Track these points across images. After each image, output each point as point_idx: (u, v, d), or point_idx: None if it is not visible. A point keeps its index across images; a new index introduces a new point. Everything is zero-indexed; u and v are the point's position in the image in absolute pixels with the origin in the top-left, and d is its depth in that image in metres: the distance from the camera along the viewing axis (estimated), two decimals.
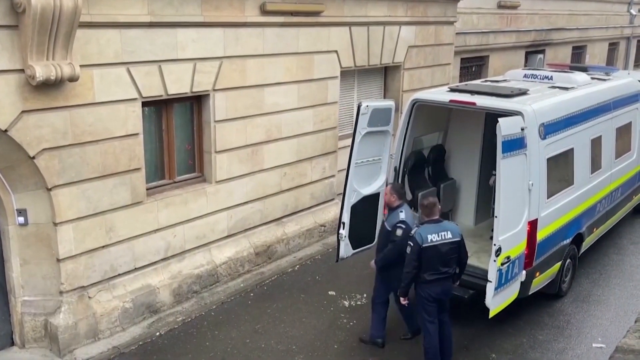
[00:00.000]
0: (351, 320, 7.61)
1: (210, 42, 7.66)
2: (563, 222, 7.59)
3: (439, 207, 6.39)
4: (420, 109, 7.81)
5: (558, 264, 7.68)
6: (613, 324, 7.53)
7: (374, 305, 6.94)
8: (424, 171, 8.52)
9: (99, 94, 6.58)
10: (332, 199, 10.17)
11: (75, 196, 6.58)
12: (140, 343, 7.03)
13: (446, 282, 6.23)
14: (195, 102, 7.93)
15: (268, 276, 8.68)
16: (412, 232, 6.17)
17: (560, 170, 7.59)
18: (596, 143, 8.46)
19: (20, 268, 6.60)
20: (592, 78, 9.36)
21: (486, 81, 9.46)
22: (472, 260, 7.19)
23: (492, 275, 6.23)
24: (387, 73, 11.33)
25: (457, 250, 6.21)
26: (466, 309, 6.99)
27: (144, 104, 7.16)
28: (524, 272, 6.81)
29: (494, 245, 6.22)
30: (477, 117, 8.43)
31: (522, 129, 6.47)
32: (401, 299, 6.43)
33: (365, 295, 8.16)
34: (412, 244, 6.09)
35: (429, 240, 6.06)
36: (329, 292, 8.21)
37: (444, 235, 6.12)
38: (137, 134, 7.06)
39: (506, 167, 6.21)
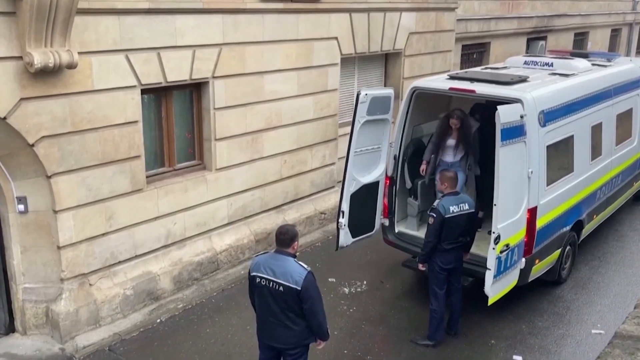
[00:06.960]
0: (351, 306, 7.63)
1: (209, 28, 7.62)
2: (563, 209, 7.58)
3: (458, 180, 6.78)
4: (420, 96, 7.77)
5: (558, 251, 7.68)
6: (612, 311, 7.56)
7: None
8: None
9: (97, 81, 6.56)
10: (332, 187, 10.17)
11: (75, 184, 6.58)
12: (141, 329, 7.08)
13: (459, 251, 6.65)
14: (195, 90, 7.91)
15: None
16: (435, 204, 6.56)
17: (560, 158, 7.57)
18: (596, 130, 8.42)
19: (20, 255, 6.62)
20: (593, 64, 9.31)
21: (486, 68, 9.41)
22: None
23: (491, 263, 6.25)
24: (387, 60, 11.27)
25: (471, 221, 6.63)
26: (465, 297, 7.01)
27: (143, 92, 7.14)
28: (523, 259, 6.82)
29: (493, 233, 6.23)
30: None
31: (522, 117, 6.46)
32: (420, 265, 6.82)
33: (365, 282, 8.19)
34: (435, 215, 6.45)
35: (451, 211, 6.43)
36: (329, 279, 8.23)
37: (463, 206, 6.53)
38: (136, 122, 7.05)
39: (505, 155, 6.20)
